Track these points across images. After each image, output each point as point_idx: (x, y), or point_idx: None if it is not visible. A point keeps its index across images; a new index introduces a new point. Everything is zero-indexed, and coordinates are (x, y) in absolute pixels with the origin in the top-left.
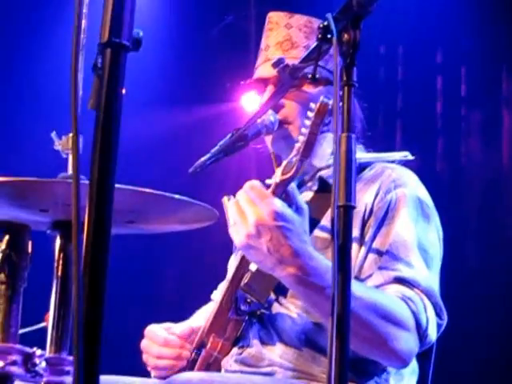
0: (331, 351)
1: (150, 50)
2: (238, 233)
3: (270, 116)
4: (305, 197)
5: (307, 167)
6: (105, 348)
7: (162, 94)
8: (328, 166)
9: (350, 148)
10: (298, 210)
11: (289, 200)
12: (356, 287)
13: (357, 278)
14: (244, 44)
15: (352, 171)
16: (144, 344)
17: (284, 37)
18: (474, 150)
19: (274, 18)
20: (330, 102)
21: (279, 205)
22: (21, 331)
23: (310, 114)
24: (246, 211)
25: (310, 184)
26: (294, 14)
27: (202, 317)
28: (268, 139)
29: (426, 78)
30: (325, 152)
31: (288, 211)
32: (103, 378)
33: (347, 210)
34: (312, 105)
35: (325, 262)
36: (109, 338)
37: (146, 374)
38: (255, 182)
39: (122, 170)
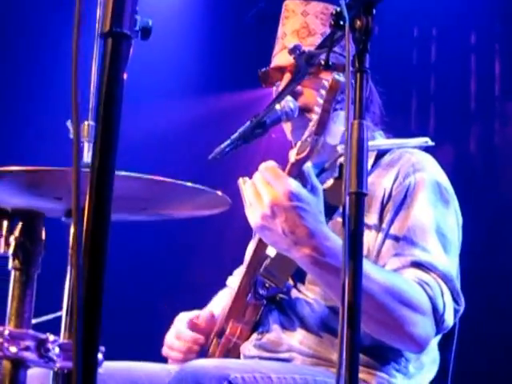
0: (342, 336)
1: (183, 38)
2: (253, 214)
3: (290, 103)
4: (325, 184)
5: (327, 152)
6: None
7: (194, 81)
8: None
9: (362, 135)
10: (312, 189)
11: (304, 180)
12: (373, 270)
13: (375, 263)
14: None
15: (364, 158)
16: (167, 335)
17: (301, 24)
18: (509, 133)
19: (291, 5)
20: (342, 79)
21: (294, 185)
22: (36, 320)
23: (323, 92)
24: (261, 192)
25: (330, 171)
26: (310, 2)
27: (218, 303)
28: (287, 128)
29: (459, 60)
30: (338, 130)
31: (303, 191)
32: (117, 363)
33: (359, 197)
34: (325, 82)
35: (340, 242)
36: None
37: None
38: (270, 163)
39: (153, 157)
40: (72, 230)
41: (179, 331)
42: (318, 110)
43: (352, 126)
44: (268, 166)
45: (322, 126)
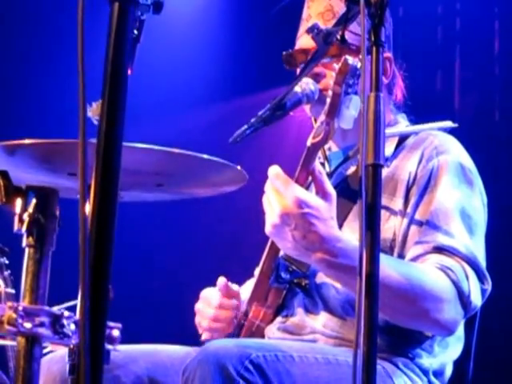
0: (359, 311)
1: (209, 33)
2: (266, 222)
3: (311, 85)
4: (349, 170)
5: (350, 139)
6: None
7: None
8: None
9: (378, 108)
10: (325, 195)
11: (316, 185)
12: (389, 263)
13: (401, 250)
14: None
15: (380, 130)
16: (199, 306)
17: (325, 7)
18: None
19: None
20: (352, 61)
21: (302, 192)
22: (58, 307)
23: (333, 74)
24: (271, 201)
25: (354, 158)
26: None
27: (246, 291)
28: (307, 107)
29: (483, 40)
30: (350, 114)
31: (312, 197)
32: (139, 347)
33: (375, 169)
34: (335, 65)
35: (353, 242)
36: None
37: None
38: (279, 170)
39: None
40: (87, 207)
41: (221, 301)
42: (330, 93)
43: (368, 98)
44: (278, 174)
45: (334, 110)
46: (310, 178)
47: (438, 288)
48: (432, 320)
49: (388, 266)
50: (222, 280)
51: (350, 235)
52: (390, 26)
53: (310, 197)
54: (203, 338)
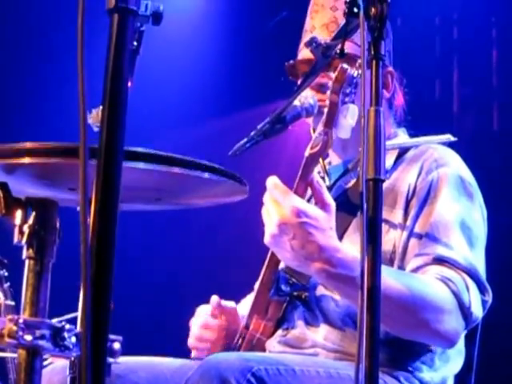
0: (361, 325)
1: (205, 47)
2: (265, 232)
3: (310, 99)
4: (349, 183)
5: (350, 151)
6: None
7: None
8: None
9: (378, 122)
10: (324, 206)
11: (315, 195)
12: (390, 274)
13: (401, 262)
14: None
15: (380, 145)
16: (191, 323)
17: (329, 19)
18: None
19: (320, 0)
20: (349, 70)
21: (300, 202)
22: (55, 320)
23: (330, 83)
24: (270, 211)
25: (354, 171)
26: None
27: (246, 306)
28: (311, 120)
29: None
30: (348, 123)
31: (310, 207)
32: (139, 359)
33: (376, 183)
34: (331, 74)
35: (352, 253)
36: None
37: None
38: (277, 180)
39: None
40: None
41: (206, 321)
42: (327, 102)
43: (368, 112)
44: (276, 184)
45: (331, 119)
46: (309, 190)
47: (439, 299)
48: (433, 331)
49: (389, 277)
50: (214, 299)
51: (350, 247)
52: (391, 42)
53: (309, 207)
54: (192, 355)
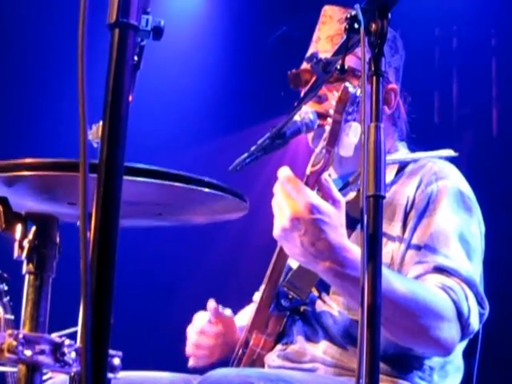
0: (361, 342)
1: (206, 62)
2: (275, 225)
3: (310, 114)
4: (348, 196)
5: (349, 165)
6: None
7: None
8: None
9: (379, 138)
10: (334, 202)
11: (324, 192)
12: (396, 279)
13: (398, 271)
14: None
15: (381, 161)
16: (187, 330)
17: (335, 31)
18: None
19: (329, 11)
20: (352, 89)
21: (315, 197)
22: (57, 334)
23: (333, 102)
24: (281, 204)
25: (354, 184)
26: (348, 10)
27: (243, 316)
28: (309, 136)
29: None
30: (350, 141)
31: (324, 204)
32: (137, 373)
33: (376, 200)
34: (335, 93)
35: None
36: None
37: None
38: (288, 172)
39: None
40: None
41: (203, 327)
42: (329, 120)
43: (369, 129)
44: (289, 178)
45: (334, 138)
46: None
47: (441, 306)
48: (432, 338)
49: (394, 281)
50: (211, 304)
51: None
52: (402, 59)
53: (322, 202)
54: (189, 364)
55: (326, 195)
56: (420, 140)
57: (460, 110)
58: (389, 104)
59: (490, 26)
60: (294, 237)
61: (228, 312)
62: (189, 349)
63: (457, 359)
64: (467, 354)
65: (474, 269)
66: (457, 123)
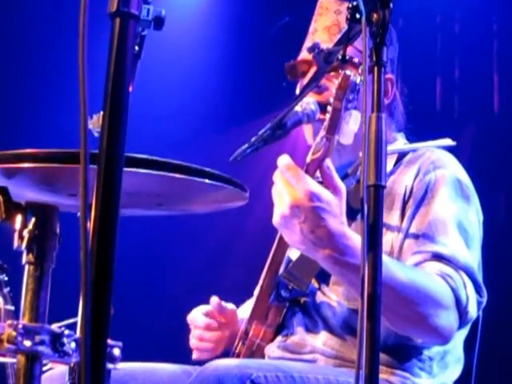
0: (361, 332)
1: (208, 52)
2: (275, 213)
3: (311, 105)
4: (348, 187)
5: (348, 156)
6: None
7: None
8: None
9: (380, 128)
10: (335, 190)
11: (325, 180)
12: (395, 266)
13: (397, 259)
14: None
15: (382, 151)
16: (188, 318)
17: (332, 22)
18: None
19: (325, 3)
20: (352, 77)
21: (315, 185)
22: (57, 324)
23: (333, 90)
24: (281, 192)
25: (353, 175)
26: (344, 2)
27: (244, 309)
28: (308, 129)
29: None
30: (350, 129)
31: (324, 192)
32: (138, 365)
33: (377, 190)
34: (335, 81)
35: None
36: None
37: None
38: (289, 160)
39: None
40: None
41: (208, 322)
42: (329, 108)
43: (370, 119)
44: (289, 165)
45: (334, 126)
46: None
47: (439, 294)
48: (430, 326)
49: (394, 269)
50: (214, 299)
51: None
52: (396, 51)
53: (322, 190)
54: (193, 357)
55: (328, 183)
56: (421, 128)
57: (462, 97)
58: (386, 94)
59: (491, 13)
60: (294, 224)
61: (231, 306)
62: (193, 342)
63: (457, 350)
64: (466, 347)
65: (472, 257)
66: (458, 110)
